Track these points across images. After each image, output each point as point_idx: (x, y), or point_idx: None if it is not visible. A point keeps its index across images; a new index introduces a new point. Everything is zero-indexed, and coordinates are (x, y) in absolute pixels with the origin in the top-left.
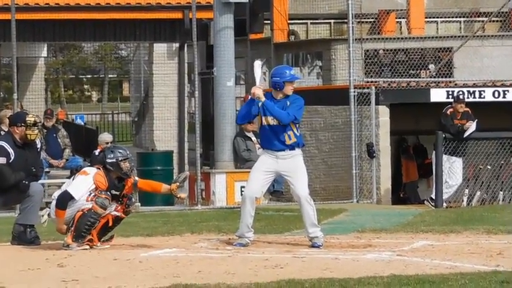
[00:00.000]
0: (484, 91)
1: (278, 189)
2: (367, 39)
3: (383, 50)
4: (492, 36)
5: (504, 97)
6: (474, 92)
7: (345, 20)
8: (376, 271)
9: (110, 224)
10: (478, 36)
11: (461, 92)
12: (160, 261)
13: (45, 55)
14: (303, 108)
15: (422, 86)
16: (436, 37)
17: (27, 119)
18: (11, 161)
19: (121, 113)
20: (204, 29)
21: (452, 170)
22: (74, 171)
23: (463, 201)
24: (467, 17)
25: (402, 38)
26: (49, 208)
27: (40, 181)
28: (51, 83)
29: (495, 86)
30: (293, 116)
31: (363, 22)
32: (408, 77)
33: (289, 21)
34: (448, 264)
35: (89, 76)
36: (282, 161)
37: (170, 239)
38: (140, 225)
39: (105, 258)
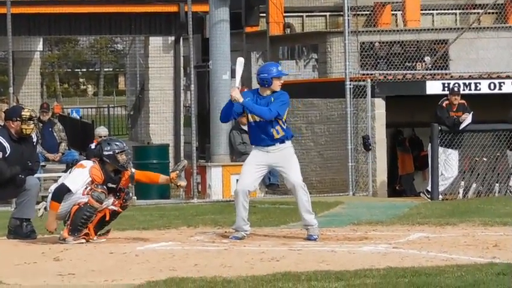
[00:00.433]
0: (479, 83)
1: (274, 182)
2: (363, 31)
3: (379, 42)
4: (488, 28)
5: (500, 89)
6: (470, 84)
7: (341, 13)
8: (372, 263)
9: (107, 218)
10: (473, 28)
11: (456, 84)
12: (156, 255)
13: (41, 49)
14: (288, 104)
15: (417, 79)
16: (432, 29)
17: (22, 113)
18: (6, 155)
19: (116, 107)
20: (199, 22)
21: (448, 162)
22: (70, 165)
23: (458, 193)
24: (463, 9)
25: (397, 31)
26: (46, 202)
27: (36, 175)
28: (47, 77)
29: (491, 78)
30: (276, 112)
31: (358, 15)
32: (404, 70)
33: (284, 14)
34: (444, 256)
35: (84, 70)
36: (272, 154)
37: (166, 232)
38: (136, 218)
39: (101, 252)
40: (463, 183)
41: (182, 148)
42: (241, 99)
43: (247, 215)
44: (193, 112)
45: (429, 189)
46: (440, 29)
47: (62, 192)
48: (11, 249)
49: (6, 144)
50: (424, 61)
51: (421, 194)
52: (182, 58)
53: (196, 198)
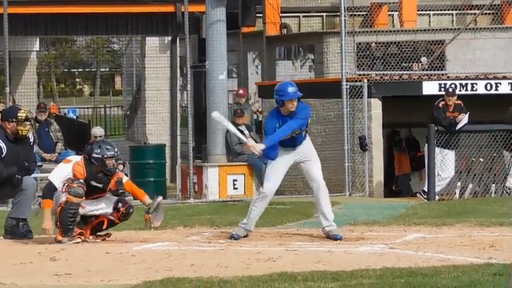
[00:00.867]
0: (476, 84)
1: None
2: (359, 32)
3: (375, 43)
4: (484, 28)
5: (496, 90)
6: (466, 84)
7: (337, 13)
8: (369, 264)
9: (105, 226)
10: (470, 28)
11: (453, 85)
12: (153, 255)
13: (38, 49)
14: (307, 118)
15: (414, 79)
16: (428, 30)
17: (18, 114)
18: (3, 155)
19: (113, 107)
20: (196, 22)
21: (445, 163)
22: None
23: (455, 193)
24: (460, 9)
25: (394, 31)
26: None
27: (33, 175)
28: (44, 77)
29: (487, 78)
30: (302, 121)
31: (355, 15)
32: (400, 70)
33: (281, 15)
34: (441, 256)
35: (81, 70)
36: (299, 149)
37: (162, 232)
38: (132, 218)
39: (98, 252)
40: (459, 183)
41: (178, 148)
42: (262, 146)
43: None
44: (190, 112)
45: (426, 190)
46: (436, 30)
47: (50, 188)
48: (8, 249)
49: (3, 145)
50: (421, 61)
51: (418, 195)
52: (178, 58)
53: (193, 198)
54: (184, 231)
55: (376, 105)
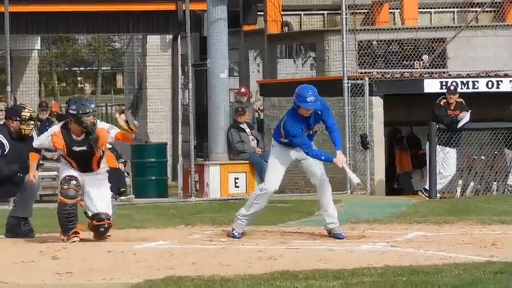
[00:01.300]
0: (477, 82)
1: None
2: (360, 30)
3: (377, 41)
4: (486, 26)
5: (498, 88)
6: (468, 82)
7: (339, 11)
8: (370, 262)
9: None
10: (471, 26)
11: (454, 83)
12: (154, 254)
13: (39, 47)
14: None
15: (415, 77)
16: (430, 28)
17: (22, 113)
18: (5, 152)
19: (114, 105)
20: (197, 20)
21: (446, 161)
22: None
23: (456, 191)
24: (461, 7)
25: (395, 29)
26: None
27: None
28: (45, 76)
29: (489, 76)
30: (335, 120)
31: (356, 13)
32: (401, 68)
33: (282, 13)
34: (442, 255)
35: (82, 68)
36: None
37: (164, 231)
38: (134, 217)
39: (99, 251)
40: (460, 181)
41: (180, 147)
42: (342, 157)
43: None
44: (191, 111)
45: (427, 188)
46: (438, 28)
47: (32, 149)
48: (9, 247)
49: (5, 142)
50: (422, 59)
51: (419, 193)
52: (180, 56)
53: (194, 196)
54: (185, 230)
55: (377, 103)
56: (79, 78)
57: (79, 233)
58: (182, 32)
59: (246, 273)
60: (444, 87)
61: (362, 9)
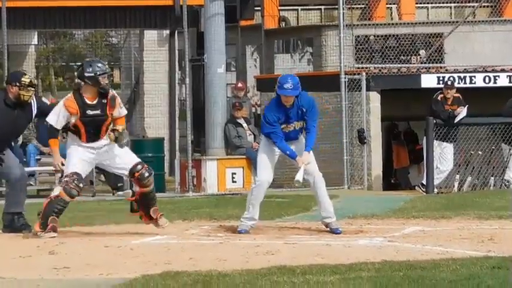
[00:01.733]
0: (474, 77)
1: None
2: (358, 25)
3: (374, 35)
4: (483, 21)
5: (495, 82)
6: (465, 77)
7: (336, 6)
8: (367, 257)
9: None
10: (468, 21)
11: (451, 78)
12: (151, 249)
13: (36, 42)
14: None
15: (412, 72)
16: (427, 23)
17: (22, 79)
18: None
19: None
20: (194, 15)
21: (443, 156)
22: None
23: (454, 186)
24: (458, 2)
25: (392, 24)
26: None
27: (31, 168)
28: (42, 71)
29: (486, 71)
30: (316, 124)
31: (353, 8)
32: (399, 63)
33: (279, 8)
34: (439, 249)
35: (79, 63)
36: (294, 142)
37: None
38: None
39: (96, 246)
40: (458, 176)
41: (177, 142)
42: (306, 157)
43: None
44: (188, 106)
45: (425, 183)
46: (435, 23)
47: (52, 130)
48: (6, 243)
49: None
50: (419, 54)
51: (416, 188)
52: (177, 52)
53: (191, 191)
54: (182, 225)
55: (375, 98)
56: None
57: (57, 231)
58: (180, 27)
59: (244, 268)
60: (441, 82)
61: (359, 4)
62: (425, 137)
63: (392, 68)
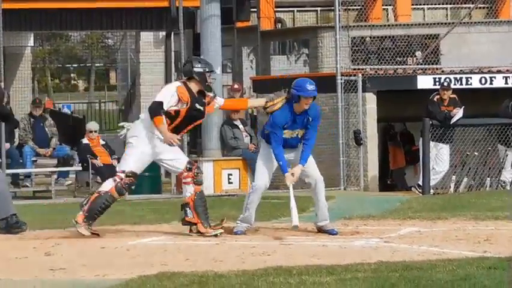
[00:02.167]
0: (470, 78)
1: None
2: (354, 26)
3: (370, 37)
4: (479, 23)
5: (491, 84)
6: (461, 78)
7: (332, 8)
8: (363, 258)
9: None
10: (464, 23)
11: (447, 79)
12: (148, 249)
13: (32, 44)
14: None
15: (409, 73)
16: (423, 24)
17: None
18: None
19: (108, 102)
20: (190, 17)
21: (439, 157)
22: (61, 160)
23: (450, 187)
24: (454, 3)
25: (389, 25)
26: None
27: (27, 169)
28: (38, 72)
29: (482, 72)
30: (316, 134)
31: (349, 9)
32: (395, 64)
33: (275, 9)
34: (436, 250)
35: (75, 65)
36: (294, 149)
37: (157, 227)
38: (127, 213)
39: (92, 247)
40: (454, 177)
41: None
42: (297, 171)
43: None
44: None
45: (421, 184)
46: (431, 24)
47: (158, 106)
48: (2, 244)
49: None
50: (415, 56)
51: (412, 189)
52: (173, 53)
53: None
54: (179, 226)
55: (371, 99)
56: (72, 75)
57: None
58: (176, 28)
59: (240, 268)
60: (437, 83)
61: (355, 5)
62: (421, 138)
63: (388, 69)
